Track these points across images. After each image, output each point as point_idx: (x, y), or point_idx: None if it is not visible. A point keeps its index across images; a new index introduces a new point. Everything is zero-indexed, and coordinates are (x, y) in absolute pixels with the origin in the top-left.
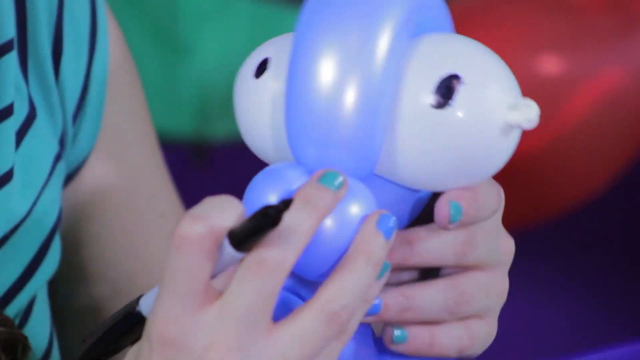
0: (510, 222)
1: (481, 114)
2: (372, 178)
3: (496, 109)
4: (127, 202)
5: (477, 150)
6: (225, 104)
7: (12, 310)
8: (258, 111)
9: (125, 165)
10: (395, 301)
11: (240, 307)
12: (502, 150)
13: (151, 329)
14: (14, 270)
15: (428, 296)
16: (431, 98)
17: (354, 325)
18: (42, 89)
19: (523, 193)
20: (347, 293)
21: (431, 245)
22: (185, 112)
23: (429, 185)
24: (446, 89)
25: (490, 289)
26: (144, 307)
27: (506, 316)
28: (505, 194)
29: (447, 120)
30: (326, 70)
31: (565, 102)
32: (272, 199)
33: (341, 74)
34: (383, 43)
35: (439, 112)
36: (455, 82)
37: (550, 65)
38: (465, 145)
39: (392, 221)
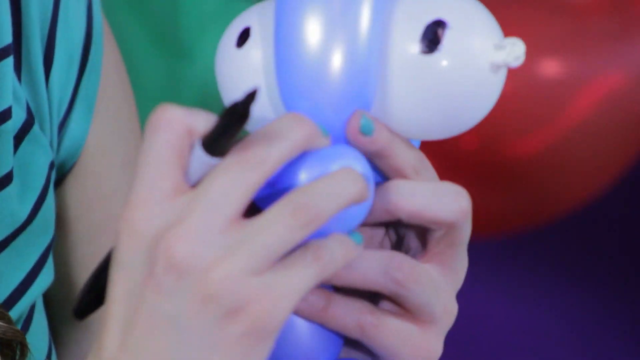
0: (511, 223)
1: (469, 56)
2: None
3: (483, 50)
4: (99, 226)
5: (467, 92)
6: None
7: (14, 315)
8: (242, 80)
9: (106, 187)
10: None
11: (212, 194)
12: (491, 91)
13: (122, 217)
14: (16, 275)
15: (368, 256)
16: (418, 46)
17: (318, 224)
18: (34, 96)
19: (524, 195)
20: (316, 190)
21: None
22: None
23: (421, 134)
24: (433, 35)
25: (437, 287)
26: None
27: (507, 317)
28: (506, 196)
29: (436, 66)
30: (312, 32)
31: (566, 104)
32: None
33: (327, 33)
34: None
35: (428, 58)
36: (440, 27)
37: (551, 67)
38: (455, 88)
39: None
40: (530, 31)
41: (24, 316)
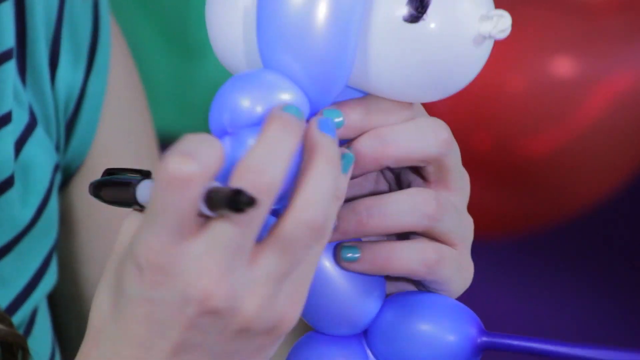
0: (523, 223)
1: (454, 26)
2: (345, 89)
3: (469, 20)
4: (108, 225)
5: (450, 61)
6: None
7: (16, 320)
8: (230, 25)
9: None
10: (352, 212)
11: (227, 235)
12: (475, 61)
13: (139, 254)
14: (20, 279)
15: (394, 200)
16: (403, 11)
17: (330, 225)
18: (39, 98)
19: (536, 195)
20: (319, 197)
21: (407, 135)
22: (197, 116)
23: (401, 96)
24: (419, 2)
25: (461, 214)
26: (140, 195)
27: (515, 318)
28: (516, 197)
29: (420, 34)
30: None
31: (578, 104)
32: (246, 103)
33: None
34: None
35: (412, 25)
36: None
37: (562, 67)
38: (438, 57)
39: (332, 122)
40: (542, 31)
41: (27, 319)
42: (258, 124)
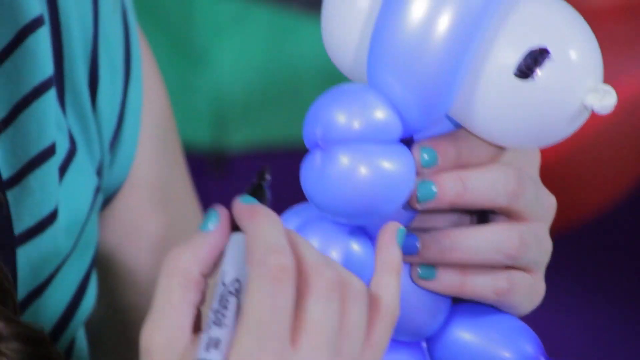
0: None
1: (561, 92)
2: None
3: (576, 90)
4: (158, 233)
5: (549, 122)
6: (243, 113)
7: (60, 348)
8: (347, 27)
9: (158, 193)
10: (436, 242)
11: (327, 332)
12: (570, 127)
13: (150, 343)
14: (57, 308)
15: (480, 237)
16: (516, 66)
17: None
18: (79, 122)
19: None
20: (392, 295)
21: (484, 183)
22: (203, 122)
23: (493, 139)
24: (532, 62)
25: (541, 241)
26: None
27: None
28: None
29: (527, 92)
30: (417, 10)
31: None
32: (342, 118)
33: (436, 4)
34: None
35: (521, 82)
36: (542, 56)
37: None
38: (538, 116)
39: (403, 232)
40: None
41: (66, 346)
42: (350, 140)
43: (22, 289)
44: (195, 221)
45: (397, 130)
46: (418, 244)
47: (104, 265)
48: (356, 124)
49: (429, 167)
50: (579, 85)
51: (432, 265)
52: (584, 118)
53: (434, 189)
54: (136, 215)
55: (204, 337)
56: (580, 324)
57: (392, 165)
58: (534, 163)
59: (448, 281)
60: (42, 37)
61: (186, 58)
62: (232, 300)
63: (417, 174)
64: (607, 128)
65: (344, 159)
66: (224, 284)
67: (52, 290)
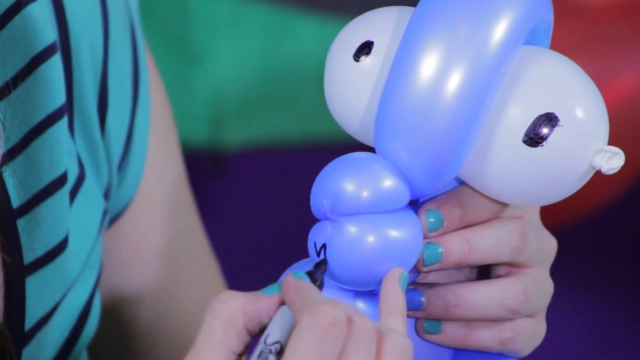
0: None
1: (570, 156)
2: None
3: (584, 153)
4: (163, 248)
5: (557, 184)
6: (240, 112)
7: None
8: (353, 94)
9: (164, 210)
10: (441, 299)
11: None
12: (578, 185)
13: None
14: (62, 332)
15: (484, 294)
16: (524, 134)
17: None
18: (88, 146)
19: None
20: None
21: (489, 241)
22: (200, 120)
23: (499, 197)
24: (541, 129)
25: (543, 287)
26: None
27: None
28: None
29: (536, 156)
30: (430, 64)
31: None
32: (350, 187)
33: (446, 65)
34: (497, 37)
35: (529, 148)
36: (551, 123)
37: None
38: (548, 178)
39: (407, 277)
40: None
41: None
42: (358, 212)
43: (31, 319)
44: (198, 234)
45: (405, 198)
46: (423, 300)
47: (107, 283)
48: (364, 195)
49: (436, 230)
50: (587, 148)
51: (437, 321)
52: (590, 176)
53: (440, 250)
54: (143, 232)
55: None
56: (578, 322)
57: (400, 233)
58: (535, 207)
59: (453, 335)
60: (55, 65)
61: (183, 57)
62: (271, 358)
63: (423, 237)
64: None
65: (352, 230)
66: (265, 343)
67: (58, 315)
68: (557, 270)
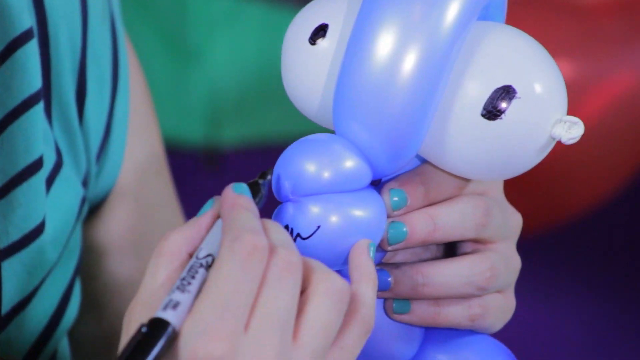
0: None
1: (529, 127)
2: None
3: (543, 124)
4: (142, 240)
5: (517, 156)
6: (236, 110)
7: (45, 357)
8: (311, 77)
9: (143, 202)
10: (408, 278)
11: (278, 312)
12: (537, 158)
13: (198, 347)
14: (41, 319)
15: (451, 272)
16: (483, 107)
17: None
18: (66, 134)
19: (533, 199)
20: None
21: (453, 218)
22: (196, 118)
23: (460, 173)
24: (499, 102)
25: (510, 262)
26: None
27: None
28: (515, 201)
29: (495, 129)
30: (385, 43)
31: (576, 106)
32: (311, 168)
33: (401, 44)
34: (450, 14)
35: (488, 122)
36: (509, 96)
37: (561, 69)
38: (508, 151)
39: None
40: (541, 33)
41: (49, 357)
42: (320, 192)
43: (7, 303)
44: (179, 224)
45: (367, 177)
46: (390, 280)
47: (88, 273)
48: (325, 176)
49: (400, 208)
50: (546, 119)
51: (406, 301)
52: (550, 148)
53: (405, 229)
54: (122, 223)
55: (165, 299)
56: (576, 320)
57: (363, 212)
58: (498, 182)
59: (422, 313)
60: (32, 50)
61: (179, 55)
62: (201, 272)
63: (387, 216)
64: (601, 125)
65: (314, 210)
66: (197, 258)
67: (37, 301)
68: (557, 270)
